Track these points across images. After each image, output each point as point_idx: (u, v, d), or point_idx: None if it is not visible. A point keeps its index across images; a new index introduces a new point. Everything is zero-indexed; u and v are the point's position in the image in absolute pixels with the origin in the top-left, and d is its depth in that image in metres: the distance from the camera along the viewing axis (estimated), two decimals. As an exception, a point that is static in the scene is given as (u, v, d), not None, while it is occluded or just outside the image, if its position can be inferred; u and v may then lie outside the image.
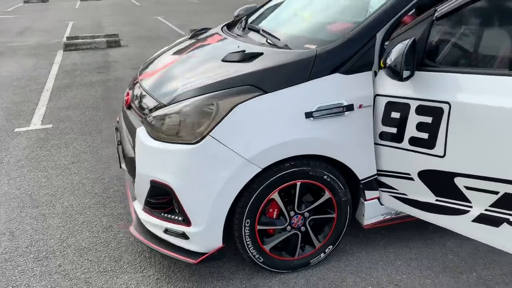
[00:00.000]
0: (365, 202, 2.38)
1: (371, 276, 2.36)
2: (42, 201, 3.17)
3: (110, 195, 3.24)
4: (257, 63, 2.23)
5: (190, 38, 3.16)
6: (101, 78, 6.62)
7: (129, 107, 2.60)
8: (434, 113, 2.02)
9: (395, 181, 2.30)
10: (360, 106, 2.18)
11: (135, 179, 2.33)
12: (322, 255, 2.42)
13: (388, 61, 1.98)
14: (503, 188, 1.93)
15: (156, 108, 2.27)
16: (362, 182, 2.31)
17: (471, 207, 2.07)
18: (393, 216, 2.49)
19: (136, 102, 2.51)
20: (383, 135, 2.24)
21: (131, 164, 2.39)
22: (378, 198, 2.40)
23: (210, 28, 3.28)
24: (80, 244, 2.68)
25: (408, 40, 1.97)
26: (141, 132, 2.28)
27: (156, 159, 2.19)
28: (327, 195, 2.30)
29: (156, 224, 2.33)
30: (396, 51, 1.98)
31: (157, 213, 2.33)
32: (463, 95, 1.94)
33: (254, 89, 2.10)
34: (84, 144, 4.18)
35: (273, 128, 2.10)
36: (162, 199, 2.30)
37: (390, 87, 2.15)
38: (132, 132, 2.39)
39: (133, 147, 2.35)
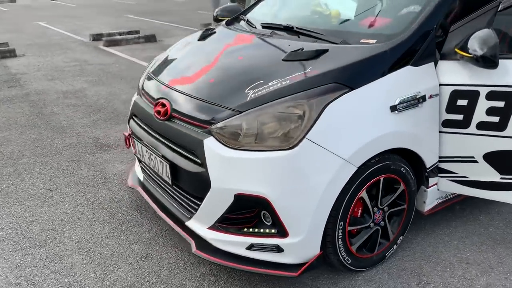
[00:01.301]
0: (427, 190, 2.46)
1: (440, 259, 2.45)
2: (43, 239, 2.68)
3: (123, 220, 2.87)
4: (328, 60, 2.16)
5: (200, 40, 2.92)
6: (17, 93, 5.81)
7: (170, 118, 2.32)
8: (507, 97, 2.16)
9: (456, 166, 2.41)
10: (430, 97, 2.25)
11: (209, 195, 2.09)
12: (395, 246, 2.45)
13: (477, 50, 2.05)
14: None
15: (229, 115, 2.07)
16: (428, 170, 2.39)
17: (537, 180, 2.27)
18: (443, 199, 2.62)
19: (187, 111, 2.25)
20: (447, 123, 2.33)
21: (195, 179, 2.14)
22: (436, 184, 2.50)
23: (213, 29, 3.07)
24: (127, 280, 2.33)
25: (489, 30, 2.08)
26: (212, 143, 2.06)
27: (242, 171, 2.00)
28: (401, 187, 2.33)
29: (236, 242, 2.14)
30: (483, 41, 2.06)
31: (237, 230, 2.14)
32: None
33: (340, 87, 2.04)
34: (50, 168, 3.63)
35: (365, 124, 2.06)
36: (243, 214, 2.11)
37: (456, 76, 2.25)
38: (191, 144, 2.15)
39: (198, 161, 2.11)
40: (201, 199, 2.18)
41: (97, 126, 4.56)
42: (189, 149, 2.17)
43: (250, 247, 2.11)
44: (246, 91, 2.13)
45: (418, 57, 2.22)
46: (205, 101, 2.21)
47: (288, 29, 2.64)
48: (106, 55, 8.27)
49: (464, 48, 2.14)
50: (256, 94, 2.08)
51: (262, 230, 2.08)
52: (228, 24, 3.16)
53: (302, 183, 1.96)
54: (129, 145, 2.81)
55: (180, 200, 2.38)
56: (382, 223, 2.34)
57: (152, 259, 2.48)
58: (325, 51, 2.22)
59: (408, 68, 2.20)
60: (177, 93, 2.38)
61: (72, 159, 3.78)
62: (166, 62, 2.81)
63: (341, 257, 2.21)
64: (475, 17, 2.21)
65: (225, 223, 2.15)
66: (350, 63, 2.10)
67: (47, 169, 3.61)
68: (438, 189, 2.51)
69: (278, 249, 2.06)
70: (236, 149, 2.01)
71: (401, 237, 2.47)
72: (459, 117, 2.30)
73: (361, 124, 2.05)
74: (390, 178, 2.25)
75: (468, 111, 2.26)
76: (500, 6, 2.17)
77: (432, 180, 2.45)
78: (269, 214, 2.03)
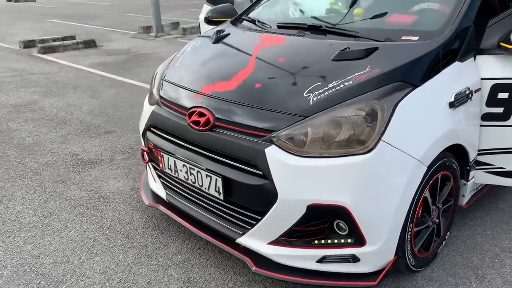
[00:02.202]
0: (467, 183, 2.49)
1: (484, 250, 2.49)
2: (60, 274, 2.35)
3: (144, 242, 2.60)
4: (384, 59, 2.10)
5: (216, 42, 2.73)
6: (-42, 109, 5.15)
7: (212, 128, 2.12)
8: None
9: (493, 158, 2.47)
10: (476, 91, 2.27)
11: (275, 207, 1.94)
12: (443, 242, 2.45)
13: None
14: None
15: (292, 121, 1.93)
16: (469, 164, 2.42)
17: None
18: (476, 191, 2.67)
19: (236, 119, 2.08)
20: (486, 116, 2.37)
21: (255, 193, 1.98)
22: (473, 177, 2.54)
23: (223, 30, 2.88)
24: (179, 309, 2.10)
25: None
26: (276, 151, 1.91)
27: (315, 179, 1.87)
28: (451, 183, 2.33)
29: (304, 256, 2.01)
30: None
31: (305, 243, 2.01)
32: None
33: (405, 85, 1.99)
34: (33, 191, 3.22)
35: (431, 122, 2.03)
36: (314, 226, 1.98)
37: (497, 69, 2.29)
38: (247, 154, 1.98)
39: (259, 173, 1.95)
40: (261, 213, 2.02)
41: (69, 141, 4.15)
42: (246, 160, 1.99)
43: (322, 259, 1.99)
44: (305, 94, 2.00)
45: (463, 53, 2.23)
46: (259, 108, 2.05)
47: (315, 28, 2.54)
48: (46, 63, 7.62)
49: (509, 41, 2.17)
50: (318, 97, 1.96)
51: (336, 241, 1.97)
52: (235, 25, 2.99)
53: (380, 187, 1.88)
54: (148, 159, 2.55)
55: (228, 216, 2.19)
56: (437, 221, 2.33)
57: (197, 283, 2.27)
58: (375, 49, 2.15)
59: (457, 64, 2.20)
60: (218, 101, 2.19)
61: (56, 180, 3.39)
62: (186, 68, 2.59)
63: (407, 260, 2.16)
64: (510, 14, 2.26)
65: (291, 236, 2.01)
66: (410, 60, 2.05)
67: (30, 193, 3.20)
68: (473, 182, 2.55)
69: (354, 259, 1.96)
70: (304, 156, 1.88)
71: (448, 233, 2.47)
72: (499, 110, 2.34)
73: (428, 122, 2.02)
74: (445, 175, 2.24)
75: (509, 104, 2.31)
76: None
77: (471, 174, 2.48)
78: (345, 223, 1.92)
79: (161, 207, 2.61)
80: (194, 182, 2.24)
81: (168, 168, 2.38)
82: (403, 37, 2.28)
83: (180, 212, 2.50)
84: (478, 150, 2.46)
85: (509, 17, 2.26)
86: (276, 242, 2.04)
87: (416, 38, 2.24)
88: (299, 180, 1.89)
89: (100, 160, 3.71)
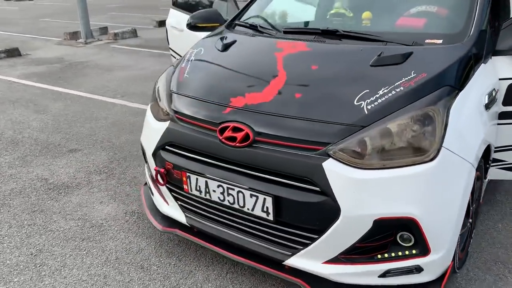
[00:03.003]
0: (485, 180, 2.56)
1: (503, 243, 2.58)
2: (80, 321, 2.05)
3: (165, 273, 2.36)
4: (423, 63, 2.08)
5: (225, 50, 2.55)
6: None
7: (252, 143, 1.97)
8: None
9: (507, 154, 2.56)
10: (497, 91, 2.34)
11: (337, 224, 1.83)
12: (471, 240, 2.49)
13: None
14: None
15: (349, 132, 1.84)
16: (490, 161, 2.49)
17: None
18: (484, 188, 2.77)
19: (281, 133, 1.93)
20: (503, 115, 2.45)
21: (313, 210, 1.86)
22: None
23: (226, 37, 2.70)
24: None
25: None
26: (335, 165, 1.81)
27: (382, 192, 1.80)
28: (479, 181, 2.38)
29: (366, 272, 1.93)
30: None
31: (367, 258, 1.92)
32: None
33: (451, 89, 1.99)
34: (8, 227, 2.81)
35: (476, 125, 2.05)
36: (378, 240, 1.90)
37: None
38: (301, 170, 1.85)
39: (316, 189, 1.83)
40: (318, 231, 1.90)
41: (30, 163, 3.70)
42: (300, 176, 1.86)
43: (385, 274, 1.92)
44: (356, 103, 1.92)
45: (485, 54, 2.28)
46: (306, 119, 1.93)
47: (331, 33, 2.46)
48: (-33, 76, 6.79)
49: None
50: (372, 106, 1.89)
51: (400, 253, 1.90)
52: (234, 30, 2.82)
53: (444, 195, 1.84)
54: (165, 182, 2.31)
55: (275, 237, 2.04)
56: (471, 220, 2.36)
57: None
58: (410, 53, 2.12)
59: (483, 66, 2.25)
60: (255, 114, 2.03)
61: (32, 210, 2.98)
62: (200, 79, 2.39)
63: (455, 262, 2.15)
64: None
65: (351, 253, 1.91)
66: (451, 64, 2.05)
67: (5, 228, 2.79)
68: (487, 178, 2.64)
69: (418, 269, 1.91)
70: (365, 168, 1.80)
71: (474, 230, 2.52)
72: (515, 108, 2.43)
73: (474, 125, 2.03)
74: (478, 175, 2.27)
75: (524, 102, 2.41)
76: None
77: (489, 171, 2.56)
78: (411, 234, 1.86)
79: (179, 232, 2.38)
80: (233, 203, 2.06)
81: (196, 190, 2.17)
82: (427, 41, 2.27)
83: (205, 236, 2.29)
84: (495, 148, 2.53)
85: (522, 20, 2.34)
86: (334, 261, 1.93)
87: (440, 41, 2.25)
88: (363, 194, 1.79)
89: (75, 184, 3.33)
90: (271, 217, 1.96)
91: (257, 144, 1.96)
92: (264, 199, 1.94)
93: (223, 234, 2.20)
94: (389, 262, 1.91)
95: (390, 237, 1.89)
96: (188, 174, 2.16)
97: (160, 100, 2.46)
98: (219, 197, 2.10)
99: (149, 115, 2.50)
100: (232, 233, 2.17)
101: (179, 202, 2.36)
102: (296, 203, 1.88)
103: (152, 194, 2.60)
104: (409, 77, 1.98)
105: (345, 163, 1.81)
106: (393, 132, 1.82)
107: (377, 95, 1.92)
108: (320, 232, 1.89)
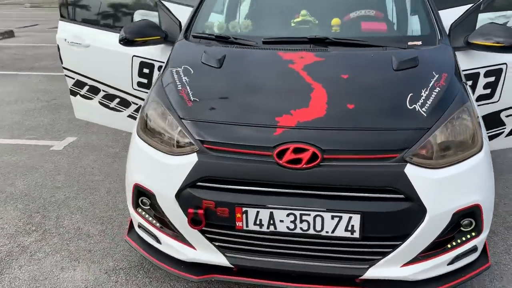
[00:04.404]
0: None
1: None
2: None
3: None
4: (434, 64, 2.30)
5: (222, 66, 2.30)
6: None
7: (320, 162, 1.88)
8: (496, 73, 2.87)
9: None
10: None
11: (422, 226, 1.90)
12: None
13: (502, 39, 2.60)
14: None
15: (418, 136, 1.92)
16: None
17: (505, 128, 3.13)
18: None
19: (351, 147, 1.89)
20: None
21: (398, 218, 1.89)
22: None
23: (210, 52, 2.44)
24: None
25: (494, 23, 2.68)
26: (415, 170, 1.88)
27: (455, 187, 1.94)
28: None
29: (438, 264, 2.04)
30: (492, 33, 2.64)
31: (440, 251, 2.04)
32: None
33: (463, 84, 2.26)
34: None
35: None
36: (449, 232, 2.02)
37: (463, 63, 2.79)
38: (382, 181, 1.86)
39: (400, 196, 1.88)
40: (402, 237, 1.93)
41: None
42: (381, 187, 1.86)
43: (453, 261, 2.06)
44: (410, 107, 2.00)
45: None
46: (371, 129, 1.94)
47: (319, 41, 2.47)
48: None
49: (480, 39, 2.65)
50: (425, 108, 2.00)
51: (464, 238, 2.06)
52: (200, 43, 2.60)
53: (490, 178, 2.07)
54: (203, 224, 1.99)
55: (354, 254, 1.98)
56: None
57: None
58: (416, 56, 2.30)
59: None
60: (315, 131, 1.93)
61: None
62: (219, 102, 2.15)
63: None
64: (466, 16, 2.78)
65: (429, 249, 2.00)
66: (453, 62, 2.30)
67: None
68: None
69: (475, 249, 2.11)
70: (438, 168, 1.92)
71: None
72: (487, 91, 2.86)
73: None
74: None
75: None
76: (481, 7, 2.82)
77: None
78: (473, 219, 2.04)
79: (218, 277, 2.11)
80: (307, 230, 1.91)
81: (256, 224, 1.94)
82: (409, 43, 2.50)
83: (252, 272, 2.08)
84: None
85: (468, 19, 2.76)
86: (412, 261, 1.99)
87: (419, 43, 2.50)
88: (443, 192, 1.90)
89: (7, 253, 2.57)
90: (356, 235, 1.89)
91: (326, 162, 1.87)
92: (350, 217, 1.86)
93: (282, 265, 2.03)
94: (456, 249, 2.05)
95: (458, 226, 2.04)
96: (244, 209, 1.91)
97: (168, 131, 2.09)
98: (288, 227, 1.92)
99: (150, 151, 2.11)
100: (295, 261, 2.02)
101: (217, 243, 2.06)
102: (382, 215, 1.86)
103: (159, 243, 2.21)
104: (436, 77, 2.15)
105: (422, 166, 1.87)
106: (450, 130, 1.96)
107: (423, 97, 2.03)
108: (404, 237, 1.91)
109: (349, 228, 1.87)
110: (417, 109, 1.98)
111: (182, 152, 2.02)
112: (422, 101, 2.01)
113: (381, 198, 1.86)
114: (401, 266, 1.98)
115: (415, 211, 1.85)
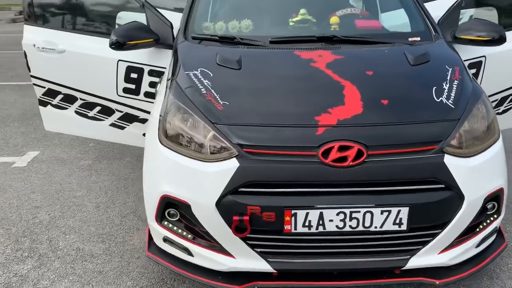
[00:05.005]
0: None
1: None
2: None
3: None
4: (441, 59, 2.41)
5: (242, 68, 2.24)
6: None
7: (365, 159, 1.90)
8: (476, 65, 3.08)
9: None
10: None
11: (461, 213, 1.98)
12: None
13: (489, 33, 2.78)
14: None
15: (450, 127, 2.00)
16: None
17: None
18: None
19: (392, 142, 1.93)
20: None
21: (440, 207, 1.96)
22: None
23: (221, 54, 2.36)
24: None
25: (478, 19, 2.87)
26: (452, 160, 1.94)
27: (486, 173, 2.06)
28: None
29: (469, 247, 2.11)
30: (476, 28, 2.82)
31: (472, 234, 2.13)
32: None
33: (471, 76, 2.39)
34: None
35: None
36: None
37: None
38: (424, 172, 1.92)
39: (441, 186, 1.95)
40: (441, 225, 2.00)
41: None
42: (423, 179, 1.93)
43: (480, 243, 2.18)
44: (437, 100, 2.09)
45: (447, 45, 2.77)
46: (409, 123, 1.99)
47: (328, 39, 2.51)
48: None
49: (466, 33, 2.82)
50: (450, 100, 2.09)
51: (488, 221, 2.18)
52: (208, 43, 2.52)
53: (506, 163, 2.22)
54: (247, 231, 1.93)
55: (398, 246, 2.02)
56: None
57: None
58: (426, 51, 2.40)
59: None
60: (358, 128, 1.95)
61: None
62: (252, 104, 2.08)
63: None
64: (451, 12, 2.95)
65: (463, 234, 2.10)
66: (459, 57, 2.43)
67: None
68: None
69: (496, 230, 2.25)
70: (470, 156, 2.02)
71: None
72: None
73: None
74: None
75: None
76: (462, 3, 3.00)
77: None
78: (496, 202, 2.17)
79: (260, 283, 2.05)
80: (356, 227, 1.92)
81: (305, 226, 1.91)
82: (410, 39, 2.61)
83: (293, 275, 2.06)
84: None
85: (452, 15, 2.93)
86: (449, 247, 2.07)
87: (418, 38, 2.62)
88: (477, 179, 2.00)
89: (5, 285, 2.32)
90: (404, 227, 1.93)
91: (371, 158, 1.89)
92: (398, 211, 1.90)
93: (326, 264, 2.02)
94: (483, 231, 2.16)
95: (485, 209, 2.15)
96: (294, 211, 1.88)
97: (196, 138, 2.00)
98: (337, 225, 1.91)
99: (181, 159, 2.00)
100: (339, 260, 2.02)
101: (259, 249, 2.01)
102: (427, 205, 1.92)
103: (191, 255, 2.11)
104: (450, 71, 2.25)
105: (457, 156, 1.96)
106: (476, 119, 2.07)
107: (446, 90, 2.13)
108: (444, 225, 1.99)
109: (397, 221, 1.91)
110: (444, 102, 2.06)
111: (218, 158, 1.94)
112: (446, 93, 2.10)
113: (425, 189, 1.91)
114: (438, 253, 2.05)
115: (454, 199, 1.93)
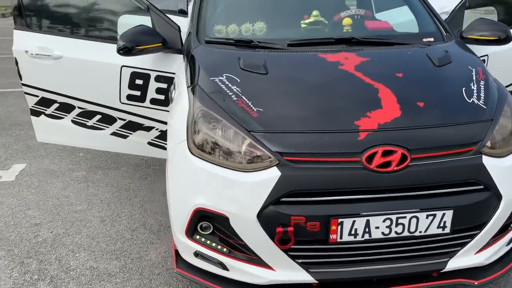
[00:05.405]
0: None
1: None
2: None
3: None
4: (462, 59, 2.44)
5: (266, 73, 2.16)
6: None
7: (409, 163, 1.88)
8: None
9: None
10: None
11: (499, 211, 1.99)
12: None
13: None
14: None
15: (485, 128, 2.00)
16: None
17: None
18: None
19: (433, 145, 1.91)
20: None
21: (479, 208, 1.96)
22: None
23: (244, 58, 2.28)
24: None
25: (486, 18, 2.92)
26: (490, 161, 1.93)
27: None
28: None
29: (501, 245, 2.13)
30: (483, 27, 2.87)
31: (505, 232, 2.14)
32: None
33: (490, 74, 2.43)
34: None
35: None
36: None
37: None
38: (464, 174, 1.92)
39: (480, 187, 1.95)
40: (480, 226, 2.01)
41: None
42: (464, 181, 1.93)
43: (510, 240, 2.20)
44: (469, 100, 2.09)
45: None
46: (447, 125, 1.98)
47: (346, 41, 2.48)
48: None
49: (473, 33, 2.86)
50: (481, 100, 2.09)
51: (516, 218, 2.21)
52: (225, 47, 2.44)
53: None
54: (291, 242, 1.87)
55: (440, 249, 2.00)
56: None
57: None
58: (447, 51, 2.41)
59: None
60: (399, 131, 1.91)
61: None
62: (288, 111, 2.00)
63: None
64: (456, 13, 2.98)
65: (498, 233, 2.11)
66: (477, 57, 2.45)
67: None
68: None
69: (521, 226, 2.28)
70: (504, 156, 2.03)
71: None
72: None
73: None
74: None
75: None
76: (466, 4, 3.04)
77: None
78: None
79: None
80: (401, 233, 1.89)
81: (350, 235, 1.86)
82: (424, 40, 2.62)
83: (334, 285, 2.02)
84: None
85: (457, 15, 2.97)
86: (485, 247, 2.07)
87: (432, 39, 2.63)
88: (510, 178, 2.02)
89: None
90: (447, 230, 1.91)
91: (414, 162, 1.87)
92: (443, 214, 1.88)
93: (368, 272, 1.98)
94: (516, 226, 2.18)
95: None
96: (340, 220, 1.83)
97: (227, 145, 1.92)
98: (383, 232, 1.88)
99: (216, 170, 1.91)
100: (380, 266, 1.99)
101: (301, 260, 1.94)
102: (469, 207, 1.91)
103: (226, 270, 2.02)
104: (474, 71, 2.26)
105: (493, 156, 1.97)
106: (506, 119, 2.09)
107: (475, 91, 2.13)
108: (482, 225, 1.99)
109: (441, 224, 1.89)
110: (476, 102, 2.06)
111: (257, 167, 1.86)
112: (476, 94, 2.10)
113: (466, 191, 1.90)
114: (475, 254, 2.05)
115: (493, 199, 1.93)
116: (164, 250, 2.57)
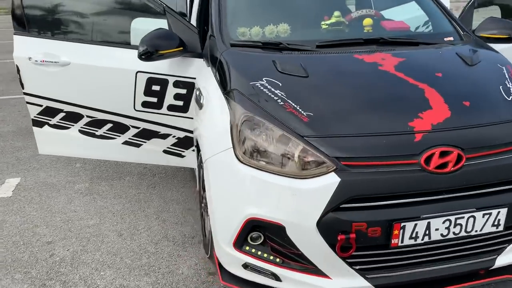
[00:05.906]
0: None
1: None
2: None
3: None
4: (490, 58, 2.45)
5: (306, 76, 2.11)
6: None
7: (465, 163, 1.88)
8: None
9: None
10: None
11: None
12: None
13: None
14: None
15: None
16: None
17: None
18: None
19: (485, 144, 1.92)
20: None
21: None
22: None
23: (281, 62, 2.21)
24: None
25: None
26: None
27: None
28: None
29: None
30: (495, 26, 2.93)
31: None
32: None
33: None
34: None
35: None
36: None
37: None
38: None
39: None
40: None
41: None
42: (514, 177, 1.95)
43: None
44: (508, 98, 2.12)
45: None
46: (497, 123, 1.99)
47: (374, 42, 2.47)
48: None
49: (485, 32, 2.91)
50: None
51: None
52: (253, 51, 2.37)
53: None
54: (352, 249, 1.82)
55: (487, 247, 2.01)
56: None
57: None
58: (476, 51, 2.44)
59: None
60: (453, 131, 1.91)
61: None
62: (337, 114, 1.95)
63: None
64: (466, 13, 3.04)
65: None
66: (497, 52, 2.50)
67: None
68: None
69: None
70: None
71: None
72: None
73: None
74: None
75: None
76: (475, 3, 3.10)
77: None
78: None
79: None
80: (458, 233, 1.89)
81: (411, 238, 1.84)
82: (445, 39, 2.64)
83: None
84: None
85: (467, 14, 3.02)
86: (527, 242, 2.11)
87: (452, 38, 2.66)
88: None
89: None
90: (501, 228, 1.93)
91: (469, 162, 1.87)
92: (498, 212, 1.89)
93: (424, 274, 1.97)
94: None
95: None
96: (403, 224, 1.80)
97: (279, 152, 1.86)
98: (442, 234, 1.86)
99: (269, 178, 1.84)
100: (434, 267, 1.98)
101: (358, 267, 1.90)
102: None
103: (279, 281, 1.96)
104: (505, 69, 2.30)
105: None
106: None
107: (510, 89, 2.16)
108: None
109: (496, 222, 1.90)
110: (514, 99, 2.09)
111: (314, 173, 1.80)
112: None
113: (514, 188, 1.92)
114: (518, 249, 2.07)
115: None
116: (194, 263, 2.46)
